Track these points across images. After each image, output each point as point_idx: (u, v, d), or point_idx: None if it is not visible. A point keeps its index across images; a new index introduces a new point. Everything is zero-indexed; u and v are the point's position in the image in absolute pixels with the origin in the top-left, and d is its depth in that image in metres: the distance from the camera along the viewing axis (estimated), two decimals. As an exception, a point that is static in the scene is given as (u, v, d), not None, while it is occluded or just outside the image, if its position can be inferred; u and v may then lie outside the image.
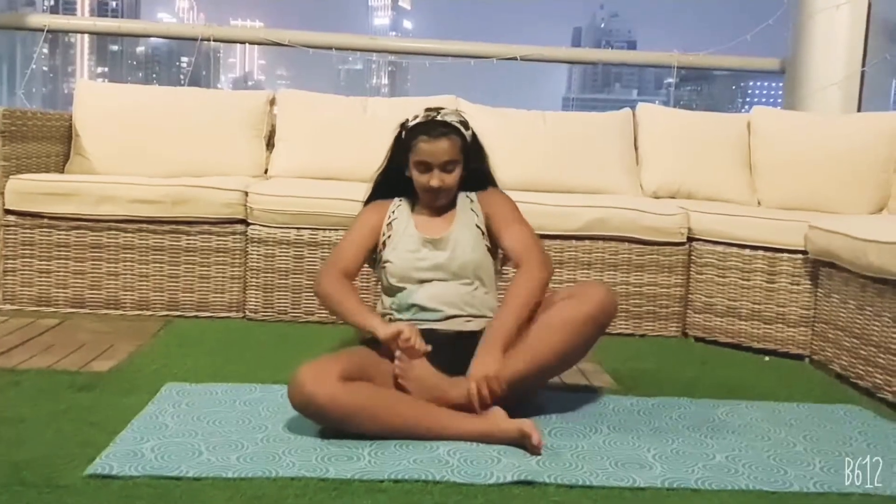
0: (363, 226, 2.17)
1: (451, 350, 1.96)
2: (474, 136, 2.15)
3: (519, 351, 1.90)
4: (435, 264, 2.07)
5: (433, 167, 2.07)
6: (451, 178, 2.09)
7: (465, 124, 2.13)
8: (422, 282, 2.06)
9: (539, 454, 1.76)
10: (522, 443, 1.78)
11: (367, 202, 2.23)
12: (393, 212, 2.17)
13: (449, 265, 2.07)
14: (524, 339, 1.93)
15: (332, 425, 1.80)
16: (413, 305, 2.05)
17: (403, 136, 2.12)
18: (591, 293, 1.99)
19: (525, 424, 1.79)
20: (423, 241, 2.10)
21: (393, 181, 2.18)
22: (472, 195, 2.19)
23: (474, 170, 2.16)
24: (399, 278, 2.08)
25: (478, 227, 2.13)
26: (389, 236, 2.14)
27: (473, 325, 2.03)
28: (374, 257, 2.18)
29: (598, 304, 1.96)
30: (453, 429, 1.82)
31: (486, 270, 2.13)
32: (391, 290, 2.11)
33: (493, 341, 1.91)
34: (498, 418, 1.84)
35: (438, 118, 2.09)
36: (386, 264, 2.11)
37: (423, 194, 2.13)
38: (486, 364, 1.87)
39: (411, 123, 2.11)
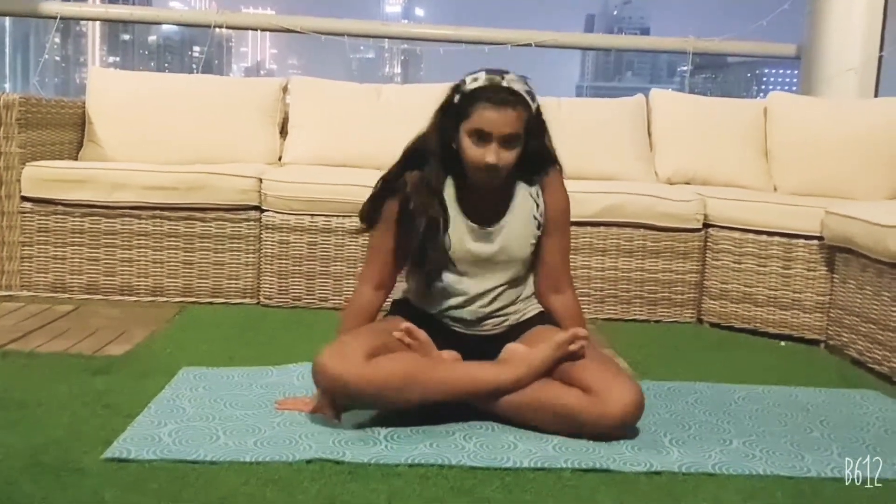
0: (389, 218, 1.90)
1: (479, 352, 1.90)
2: (539, 110, 1.85)
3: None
4: (479, 256, 1.90)
5: (492, 139, 1.77)
6: (511, 157, 1.80)
7: (532, 95, 1.82)
8: (461, 274, 1.91)
9: (585, 340, 1.80)
10: (564, 351, 1.79)
11: (402, 165, 1.89)
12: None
13: (494, 258, 1.91)
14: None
15: (361, 404, 1.78)
16: (448, 307, 1.93)
17: (457, 100, 1.81)
18: (614, 405, 1.73)
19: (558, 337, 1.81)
20: (470, 230, 1.90)
21: (430, 151, 1.86)
22: (537, 181, 1.95)
23: (532, 149, 1.88)
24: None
25: (535, 218, 1.93)
26: None
27: (501, 328, 1.96)
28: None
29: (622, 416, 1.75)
30: (486, 375, 1.79)
31: (525, 266, 1.97)
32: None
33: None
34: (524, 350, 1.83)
35: (504, 83, 1.78)
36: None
37: (473, 171, 1.83)
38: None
39: (470, 87, 1.79)
